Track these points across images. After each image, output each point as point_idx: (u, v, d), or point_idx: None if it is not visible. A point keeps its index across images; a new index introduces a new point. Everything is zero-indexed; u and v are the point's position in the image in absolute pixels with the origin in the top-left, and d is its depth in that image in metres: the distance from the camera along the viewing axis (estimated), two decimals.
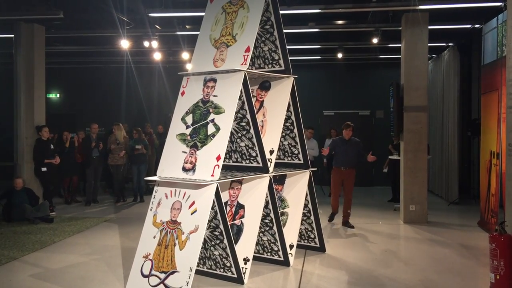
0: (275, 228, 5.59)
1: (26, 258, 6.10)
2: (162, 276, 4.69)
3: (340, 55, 11.48)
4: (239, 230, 5.36)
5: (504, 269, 4.48)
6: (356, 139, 7.98)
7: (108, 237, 7.26)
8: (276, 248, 5.70)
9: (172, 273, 4.64)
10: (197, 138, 5.06)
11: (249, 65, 5.18)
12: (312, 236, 6.38)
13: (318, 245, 6.38)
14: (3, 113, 12.83)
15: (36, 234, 7.36)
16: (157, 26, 9.83)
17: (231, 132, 5.20)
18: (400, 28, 8.80)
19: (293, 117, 5.96)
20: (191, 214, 4.76)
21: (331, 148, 7.99)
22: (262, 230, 5.69)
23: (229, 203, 5.54)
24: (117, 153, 10.26)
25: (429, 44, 8.52)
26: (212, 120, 5.03)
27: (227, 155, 5.61)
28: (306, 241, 6.45)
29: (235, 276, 5.05)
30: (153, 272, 4.77)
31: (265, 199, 5.38)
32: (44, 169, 9.19)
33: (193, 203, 4.80)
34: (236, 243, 5.18)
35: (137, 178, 10.40)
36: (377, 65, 13.55)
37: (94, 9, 8.86)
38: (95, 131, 10.29)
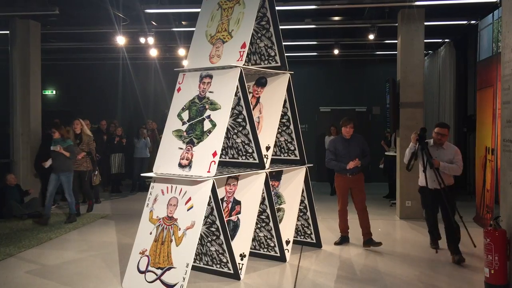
0: (271, 224, 5.60)
1: (23, 255, 6.10)
2: (159, 272, 4.70)
3: (336, 52, 11.49)
4: (235, 226, 5.37)
5: (499, 264, 4.50)
6: (358, 136, 6.65)
7: (104, 234, 7.26)
8: (272, 244, 5.72)
9: (169, 269, 4.64)
10: (193, 134, 5.07)
11: (245, 61, 5.18)
12: (309, 232, 6.40)
13: (314, 241, 6.40)
14: None
15: (33, 231, 7.35)
16: (153, 23, 9.81)
17: (227, 128, 5.20)
18: (396, 24, 8.81)
19: (289, 113, 5.96)
20: (188, 210, 4.77)
21: (331, 150, 6.57)
22: (259, 226, 5.70)
23: (225, 199, 5.55)
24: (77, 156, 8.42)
25: (425, 40, 8.54)
26: (208, 116, 5.03)
27: (223, 151, 5.62)
28: (302, 237, 6.47)
29: (232, 271, 5.06)
30: (150, 268, 4.78)
31: (262, 195, 5.39)
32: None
33: (190, 199, 4.80)
34: (232, 239, 5.19)
35: (67, 191, 7.95)
36: (373, 61, 13.57)
37: (90, 5, 8.82)
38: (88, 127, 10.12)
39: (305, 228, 6.42)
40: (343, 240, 6.63)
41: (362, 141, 6.65)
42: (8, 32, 9.48)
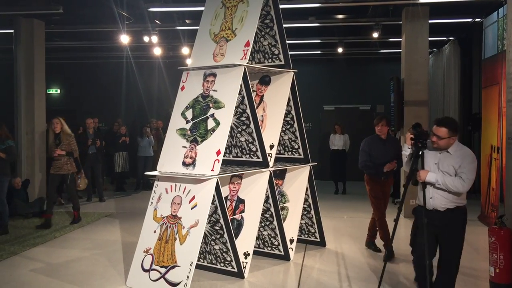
0: (275, 222, 5.60)
1: (27, 253, 6.12)
2: (163, 270, 4.70)
3: (340, 50, 11.46)
4: (239, 225, 5.37)
5: (504, 263, 4.48)
6: (393, 137, 6.02)
7: (109, 232, 7.28)
8: (276, 243, 5.71)
9: (173, 267, 4.65)
10: (197, 132, 5.06)
11: (249, 60, 5.17)
12: (313, 231, 6.39)
13: (318, 240, 6.39)
14: (3, 109, 12.83)
15: (37, 229, 7.37)
16: (157, 21, 9.81)
17: (231, 126, 5.20)
18: (401, 22, 8.78)
19: (293, 112, 5.95)
20: (191, 208, 4.77)
21: (366, 151, 5.99)
22: (263, 224, 5.70)
23: (229, 197, 5.55)
24: (58, 158, 7.55)
25: (429, 38, 8.51)
26: (212, 115, 5.03)
27: (227, 150, 5.61)
28: (306, 235, 6.46)
29: (236, 270, 5.06)
30: (154, 266, 4.79)
31: (266, 194, 5.38)
32: None
33: (193, 197, 4.80)
34: (236, 238, 5.19)
35: None
36: (377, 59, 13.53)
37: (94, 4, 8.84)
38: (90, 126, 9.99)
39: (309, 227, 6.41)
40: (391, 252, 5.76)
41: (398, 142, 6.07)
42: (12, 31, 9.50)
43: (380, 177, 5.93)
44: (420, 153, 3.92)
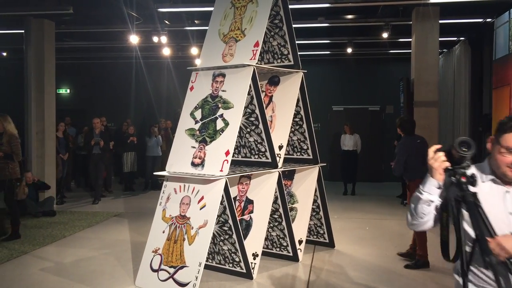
0: (284, 223, 5.58)
1: (37, 252, 6.16)
2: (171, 270, 4.70)
3: (349, 50, 11.42)
4: (248, 225, 5.36)
5: None
6: (403, 137, 5.79)
7: (118, 232, 7.30)
8: (285, 244, 5.70)
9: (181, 267, 4.65)
10: (206, 133, 5.06)
11: (258, 60, 5.16)
12: (321, 232, 6.37)
13: (327, 241, 6.36)
14: (14, 108, 12.93)
15: (47, 229, 7.41)
16: (166, 21, 9.84)
17: (240, 127, 5.19)
18: (411, 22, 8.73)
19: (302, 112, 5.93)
20: (200, 209, 4.77)
21: (404, 154, 5.58)
22: (271, 225, 5.69)
23: (238, 198, 5.54)
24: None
25: (440, 39, 8.46)
26: (221, 115, 5.02)
27: (236, 150, 5.61)
28: (315, 236, 6.43)
29: (244, 271, 5.05)
30: (163, 266, 4.79)
31: (274, 194, 5.36)
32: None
33: (202, 198, 4.80)
34: (245, 238, 5.18)
35: None
36: (387, 60, 13.46)
37: (104, 5, 8.88)
38: (97, 126, 9.89)
39: (317, 228, 6.38)
40: (421, 265, 5.45)
41: (400, 144, 5.78)
42: (23, 31, 9.57)
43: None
44: (472, 197, 1.93)
